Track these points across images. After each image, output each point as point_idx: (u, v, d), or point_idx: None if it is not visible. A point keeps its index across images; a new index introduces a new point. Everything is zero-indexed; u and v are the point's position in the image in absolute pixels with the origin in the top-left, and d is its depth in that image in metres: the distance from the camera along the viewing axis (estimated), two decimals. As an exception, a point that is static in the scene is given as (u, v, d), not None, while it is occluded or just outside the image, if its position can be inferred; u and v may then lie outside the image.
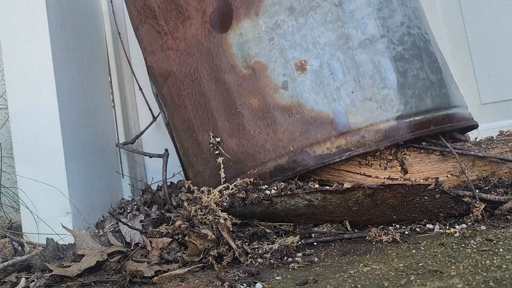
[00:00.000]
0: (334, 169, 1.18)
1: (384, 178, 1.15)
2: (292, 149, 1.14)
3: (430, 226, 1.09)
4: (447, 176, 1.15)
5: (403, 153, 1.17)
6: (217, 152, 1.22)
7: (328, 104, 1.14)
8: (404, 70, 1.17)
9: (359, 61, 1.15)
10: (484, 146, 1.19)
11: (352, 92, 1.14)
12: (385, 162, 1.16)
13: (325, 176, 1.18)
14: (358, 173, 1.17)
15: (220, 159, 1.20)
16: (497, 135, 1.29)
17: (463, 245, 0.93)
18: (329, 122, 1.13)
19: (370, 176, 1.16)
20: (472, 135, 1.38)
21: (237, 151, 1.20)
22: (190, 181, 1.35)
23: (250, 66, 1.18)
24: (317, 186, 1.17)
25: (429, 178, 1.15)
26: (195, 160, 1.32)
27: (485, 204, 1.08)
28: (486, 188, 1.14)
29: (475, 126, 1.33)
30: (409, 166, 1.16)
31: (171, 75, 1.31)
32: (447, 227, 1.07)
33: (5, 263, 1.14)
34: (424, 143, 1.19)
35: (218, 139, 1.22)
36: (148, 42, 1.37)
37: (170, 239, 1.15)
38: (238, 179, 1.17)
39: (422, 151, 1.18)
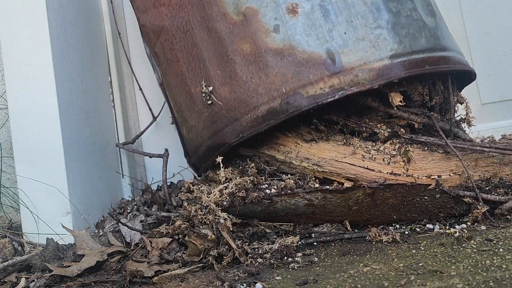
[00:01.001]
0: (337, 161, 1.19)
1: (387, 173, 1.16)
2: (284, 91, 1.14)
3: (430, 226, 1.09)
4: (449, 175, 1.15)
5: (407, 149, 1.17)
6: (209, 102, 1.23)
7: (320, 45, 1.14)
8: (397, 11, 1.18)
9: (350, 2, 1.16)
10: (487, 145, 1.19)
11: (345, 33, 1.14)
12: (389, 157, 1.17)
13: (328, 168, 1.19)
14: (361, 167, 1.17)
15: (223, 173, 1.19)
16: (500, 138, 1.29)
17: (463, 245, 0.93)
18: (321, 62, 1.13)
19: (373, 170, 1.16)
20: (472, 135, 1.38)
21: (230, 98, 1.20)
22: (184, 140, 1.38)
23: (241, 12, 1.19)
24: (317, 185, 1.17)
25: (431, 175, 1.15)
26: (189, 114, 1.33)
27: (487, 207, 1.08)
28: (487, 188, 1.14)
29: (472, 74, 1.32)
30: (412, 163, 1.16)
31: (163, 30, 1.32)
32: (447, 227, 1.07)
33: (5, 263, 1.14)
34: (426, 137, 1.19)
35: (210, 88, 1.22)
36: (140, 1, 1.38)
37: (170, 239, 1.15)
38: (231, 128, 1.18)
39: (426, 148, 1.18)
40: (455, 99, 1.32)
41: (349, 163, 1.18)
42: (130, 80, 1.92)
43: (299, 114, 1.14)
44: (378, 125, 1.20)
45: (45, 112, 1.37)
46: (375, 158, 1.17)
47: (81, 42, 1.63)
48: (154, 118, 1.86)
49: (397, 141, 1.18)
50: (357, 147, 1.19)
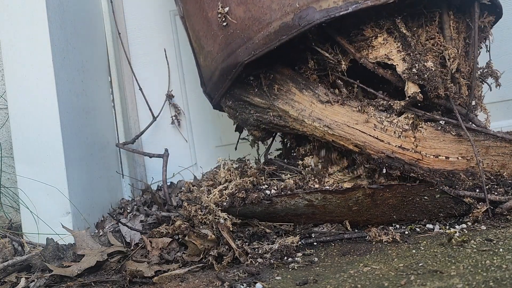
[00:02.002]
0: (349, 126, 1.19)
1: (396, 146, 1.16)
2: (297, 5, 1.14)
3: (430, 226, 1.09)
4: (457, 158, 1.15)
5: (420, 125, 1.18)
6: (225, 23, 1.25)
7: None
8: None
9: None
10: (502, 133, 1.18)
11: None
12: (400, 130, 1.17)
13: (338, 132, 1.20)
14: (371, 136, 1.17)
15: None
16: None
17: (463, 245, 0.93)
18: None
19: (382, 141, 1.17)
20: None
21: (244, 17, 1.22)
22: (201, 69, 1.43)
23: None
24: (317, 186, 1.17)
25: (440, 155, 1.15)
26: (205, 41, 1.35)
27: (487, 207, 1.08)
28: (487, 187, 1.15)
29: (497, 7, 1.29)
30: (423, 140, 1.16)
31: None
32: (447, 227, 1.07)
33: (5, 263, 1.14)
34: (441, 120, 1.19)
35: (226, 9, 1.24)
36: None
37: (170, 239, 1.15)
38: (244, 47, 1.20)
39: (439, 128, 1.18)
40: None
41: (360, 130, 1.19)
42: (130, 80, 1.92)
43: (310, 29, 1.13)
44: (394, 101, 1.21)
45: (45, 112, 1.37)
46: (386, 130, 1.17)
47: (81, 42, 1.63)
48: (154, 118, 1.86)
49: (412, 116, 1.18)
50: (371, 116, 1.19)
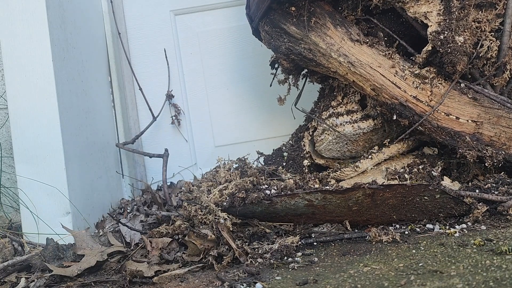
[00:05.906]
0: (371, 68, 1.26)
1: (411, 95, 1.22)
2: None
3: (430, 226, 1.09)
4: (467, 120, 1.19)
5: (439, 81, 1.21)
6: None
7: None
8: None
9: None
10: None
11: None
12: (419, 82, 1.22)
13: (360, 70, 1.26)
14: (390, 81, 1.23)
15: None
16: None
17: (463, 245, 0.93)
18: None
19: (399, 88, 1.23)
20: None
21: None
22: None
23: None
24: (317, 186, 1.17)
25: (451, 114, 1.20)
26: None
27: (487, 207, 1.08)
28: (486, 187, 1.15)
29: None
30: (439, 96, 1.20)
31: None
32: (447, 227, 1.07)
33: (5, 263, 1.14)
34: (462, 84, 1.21)
35: None
36: None
37: (170, 239, 1.15)
38: None
39: (457, 88, 1.21)
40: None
41: (380, 73, 1.24)
42: (130, 80, 1.92)
43: None
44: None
45: (45, 112, 1.37)
46: (406, 78, 1.22)
47: (81, 42, 1.63)
48: (154, 118, 1.86)
49: (434, 70, 1.22)
50: (396, 63, 1.24)
